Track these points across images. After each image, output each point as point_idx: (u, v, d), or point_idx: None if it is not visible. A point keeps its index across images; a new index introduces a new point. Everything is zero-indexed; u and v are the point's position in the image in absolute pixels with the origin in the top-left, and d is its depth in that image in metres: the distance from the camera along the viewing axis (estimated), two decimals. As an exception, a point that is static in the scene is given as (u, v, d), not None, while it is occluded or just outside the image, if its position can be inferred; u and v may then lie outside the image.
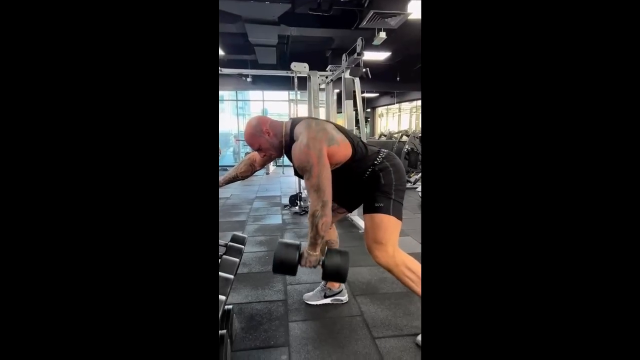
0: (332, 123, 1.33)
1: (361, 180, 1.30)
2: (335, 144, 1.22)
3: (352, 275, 1.92)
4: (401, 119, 11.90)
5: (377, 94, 9.62)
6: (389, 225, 1.25)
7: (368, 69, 2.72)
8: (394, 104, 10.16)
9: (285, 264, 1.20)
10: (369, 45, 2.81)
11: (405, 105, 10.93)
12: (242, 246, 1.51)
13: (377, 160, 1.29)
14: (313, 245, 1.18)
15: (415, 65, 6.36)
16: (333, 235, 1.57)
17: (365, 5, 2.88)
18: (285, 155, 1.35)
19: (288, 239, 2.59)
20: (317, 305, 1.60)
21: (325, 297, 1.62)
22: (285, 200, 3.83)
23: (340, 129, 1.31)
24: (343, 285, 1.65)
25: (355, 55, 2.73)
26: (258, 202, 3.93)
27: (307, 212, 3.40)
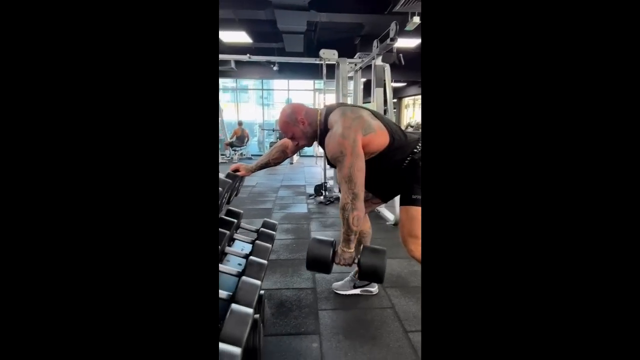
0: (368, 109, 1.27)
1: (399, 169, 1.25)
2: (371, 132, 1.17)
3: (381, 266, 1.88)
4: (428, 110, 11.45)
5: (404, 84, 9.34)
6: None
7: (402, 54, 2.60)
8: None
9: (318, 262, 1.18)
10: (400, 31, 2.70)
11: (433, 96, 10.52)
12: (274, 232, 1.50)
13: (416, 149, 1.23)
14: (346, 241, 1.15)
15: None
16: (366, 226, 1.53)
17: (401, -13, 2.75)
18: (318, 145, 1.31)
19: (315, 228, 2.58)
20: (346, 295, 1.57)
21: (355, 287, 1.59)
22: (310, 190, 3.81)
23: (377, 115, 1.25)
24: (373, 276, 1.62)
25: (388, 40, 2.62)
26: (283, 191, 3.95)
27: (332, 202, 3.37)
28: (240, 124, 7.06)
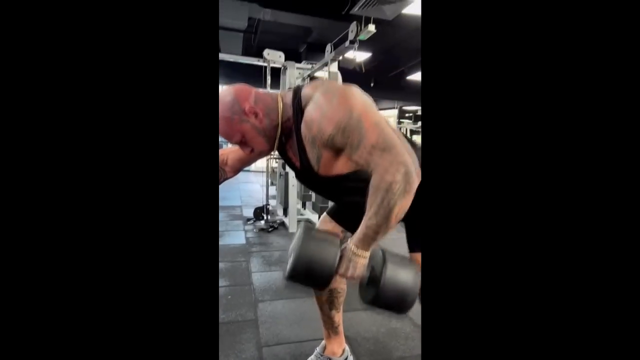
0: None
1: None
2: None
3: (349, 324, 1.40)
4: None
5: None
6: None
7: (362, 61, 2.26)
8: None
9: (314, 270, 0.63)
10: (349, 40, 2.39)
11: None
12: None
13: None
14: (368, 240, 0.64)
15: (392, 71, 6.13)
16: (340, 282, 1.05)
17: (360, -14, 2.45)
18: (276, 149, 0.80)
19: (256, 267, 1.99)
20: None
21: (322, 369, 1.09)
22: (247, 212, 3.21)
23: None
24: (348, 351, 1.14)
25: (347, 43, 2.28)
26: (214, 214, 3.26)
27: (275, 228, 2.83)
28: None
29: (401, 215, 0.62)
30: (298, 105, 0.72)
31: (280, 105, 0.75)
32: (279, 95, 0.77)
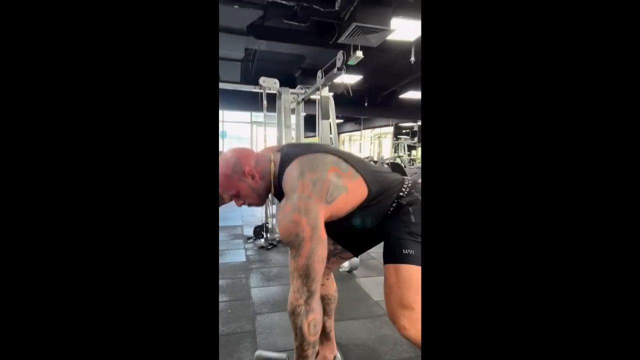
0: (334, 154, 0.93)
1: (382, 219, 0.94)
2: (342, 193, 0.85)
3: (342, 332, 1.50)
4: (362, 146, 12.07)
5: (341, 120, 9.60)
6: (420, 281, 0.88)
7: (350, 85, 2.45)
8: (360, 130, 10.17)
9: None
10: (337, 67, 2.59)
11: (368, 133, 11.08)
12: None
13: (402, 191, 0.94)
14: (303, 358, 0.78)
15: (384, 91, 6.38)
16: (331, 289, 1.16)
17: (346, 18, 2.67)
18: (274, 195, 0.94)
19: (255, 283, 2.10)
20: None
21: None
22: (248, 231, 3.32)
23: (347, 159, 0.93)
24: (339, 358, 1.22)
25: (335, 70, 2.47)
26: (216, 234, 3.37)
27: (274, 245, 2.93)
28: None
29: (314, 327, 0.76)
30: (279, 181, 0.86)
31: (272, 170, 0.89)
32: (273, 158, 0.91)
